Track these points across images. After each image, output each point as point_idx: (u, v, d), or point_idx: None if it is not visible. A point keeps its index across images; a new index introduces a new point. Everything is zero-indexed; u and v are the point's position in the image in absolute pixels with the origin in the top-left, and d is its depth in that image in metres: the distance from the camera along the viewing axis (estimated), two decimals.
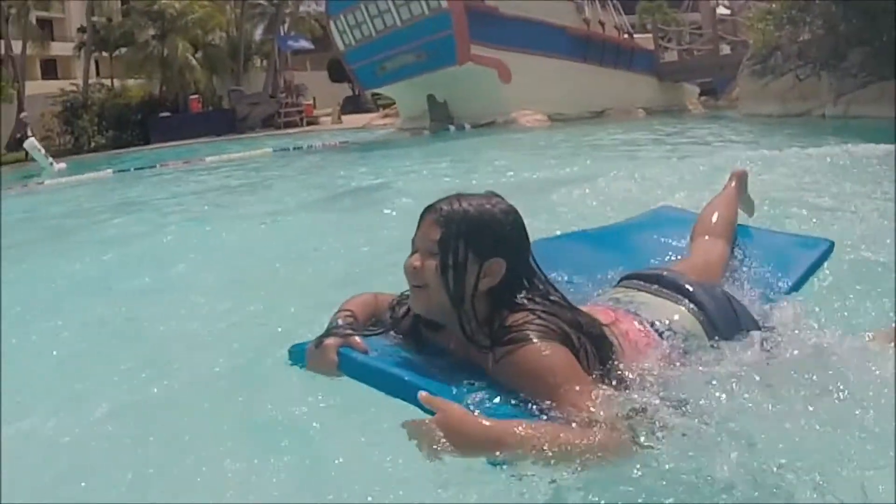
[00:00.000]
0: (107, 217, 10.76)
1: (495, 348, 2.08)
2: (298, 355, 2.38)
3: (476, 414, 1.90)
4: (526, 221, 2.25)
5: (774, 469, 1.89)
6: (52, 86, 39.69)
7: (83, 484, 2.45)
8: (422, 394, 1.91)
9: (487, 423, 1.86)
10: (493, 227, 2.17)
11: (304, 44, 38.62)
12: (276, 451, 2.44)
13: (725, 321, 2.46)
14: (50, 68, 46.37)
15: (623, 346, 2.22)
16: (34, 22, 40.74)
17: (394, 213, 7.22)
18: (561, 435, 1.85)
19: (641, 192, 6.30)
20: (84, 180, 18.40)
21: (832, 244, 3.35)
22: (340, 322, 2.34)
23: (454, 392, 2.03)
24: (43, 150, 23.86)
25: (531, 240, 2.27)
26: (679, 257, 3.14)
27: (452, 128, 23.07)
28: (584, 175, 8.37)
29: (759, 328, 2.49)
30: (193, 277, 5.43)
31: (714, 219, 3.25)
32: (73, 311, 4.82)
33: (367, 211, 8.43)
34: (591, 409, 1.93)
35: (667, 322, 2.39)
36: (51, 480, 2.52)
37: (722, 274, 2.94)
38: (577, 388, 1.97)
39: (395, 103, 30.73)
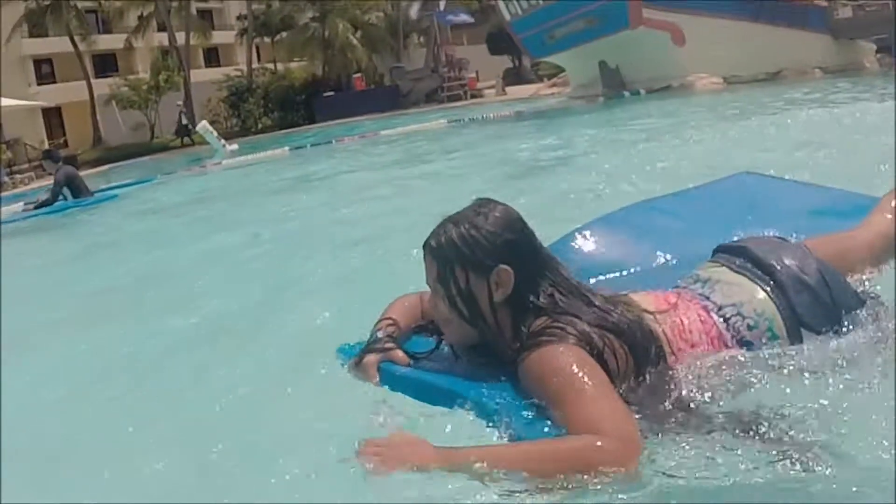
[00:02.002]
0: (293, 192, 11.11)
1: (517, 358, 1.99)
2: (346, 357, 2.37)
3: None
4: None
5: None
6: (216, 73, 41.34)
7: None
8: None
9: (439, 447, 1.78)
10: (483, 239, 2.10)
11: (465, 17, 38.67)
12: None
13: (812, 304, 2.18)
14: (212, 56, 48.24)
15: (671, 337, 2.08)
16: (195, 13, 42.43)
17: (591, 187, 6.89)
18: (538, 450, 1.73)
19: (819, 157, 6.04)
20: (261, 158, 19.01)
21: None
22: (380, 335, 2.30)
23: (497, 402, 1.96)
24: (215, 133, 24.79)
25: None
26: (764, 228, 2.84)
27: (627, 93, 22.63)
28: (766, 139, 8.10)
29: (861, 306, 2.25)
30: (387, 247, 5.51)
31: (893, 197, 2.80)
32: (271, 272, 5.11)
33: (556, 178, 8.27)
34: (598, 415, 1.76)
35: (737, 307, 2.17)
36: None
37: (867, 256, 2.57)
38: (584, 391, 1.81)
39: (560, 73, 30.44)
